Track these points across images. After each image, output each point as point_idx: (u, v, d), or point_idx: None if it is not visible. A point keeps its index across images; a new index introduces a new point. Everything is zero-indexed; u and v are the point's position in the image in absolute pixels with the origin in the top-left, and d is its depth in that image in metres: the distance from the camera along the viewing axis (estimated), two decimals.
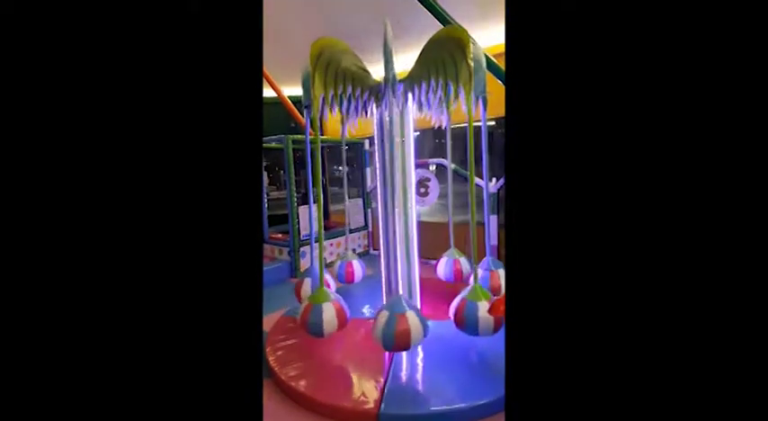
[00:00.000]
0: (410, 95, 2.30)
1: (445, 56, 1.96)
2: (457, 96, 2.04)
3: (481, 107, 2.25)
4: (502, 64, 2.63)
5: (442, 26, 2.58)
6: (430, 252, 3.54)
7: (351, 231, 4.62)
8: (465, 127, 2.01)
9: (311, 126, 2.15)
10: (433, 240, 3.09)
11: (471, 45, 1.86)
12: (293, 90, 4.78)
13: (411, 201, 2.50)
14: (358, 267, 2.99)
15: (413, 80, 2.17)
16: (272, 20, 2.41)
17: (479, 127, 2.41)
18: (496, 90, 2.37)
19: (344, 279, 2.97)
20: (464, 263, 2.81)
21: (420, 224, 2.79)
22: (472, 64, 1.85)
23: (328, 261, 4.11)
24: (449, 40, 1.93)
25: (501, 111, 3.07)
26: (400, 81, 2.20)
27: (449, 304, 2.09)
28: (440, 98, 2.22)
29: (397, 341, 1.82)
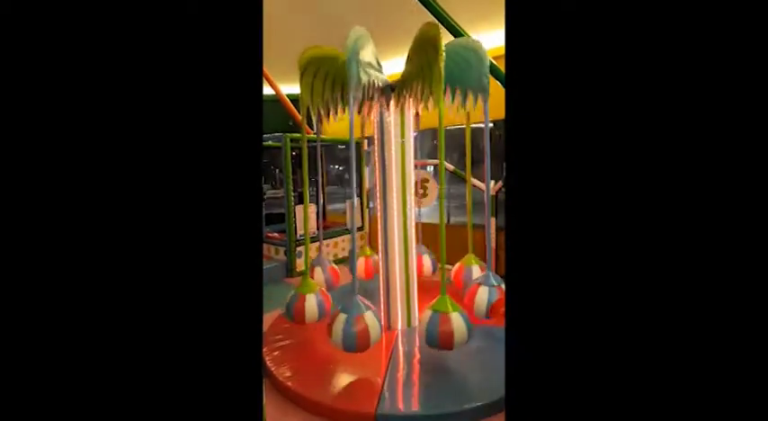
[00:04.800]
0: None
1: (424, 59, 1.95)
2: (434, 98, 2.00)
3: (471, 107, 2.20)
4: (501, 66, 2.64)
5: (442, 27, 2.59)
6: None
7: (348, 231, 4.62)
8: (463, 128, 2.00)
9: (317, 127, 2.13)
10: (433, 241, 3.13)
11: (442, 43, 1.80)
12: (291, 88, 4.77)
13: (410, 202, 2.50)
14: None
15: (405, 84, 2.17)
16: (271, 18, 2.40)
17: (480, 128, 2.41)
18: (495, 92, 2.37)
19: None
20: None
21: (418, 225, 2.79)
22: (443, 64, 1.79)
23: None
24: (425, 42, 1.90)
25: (499, 114, 3.08)
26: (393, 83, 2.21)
27: None
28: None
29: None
